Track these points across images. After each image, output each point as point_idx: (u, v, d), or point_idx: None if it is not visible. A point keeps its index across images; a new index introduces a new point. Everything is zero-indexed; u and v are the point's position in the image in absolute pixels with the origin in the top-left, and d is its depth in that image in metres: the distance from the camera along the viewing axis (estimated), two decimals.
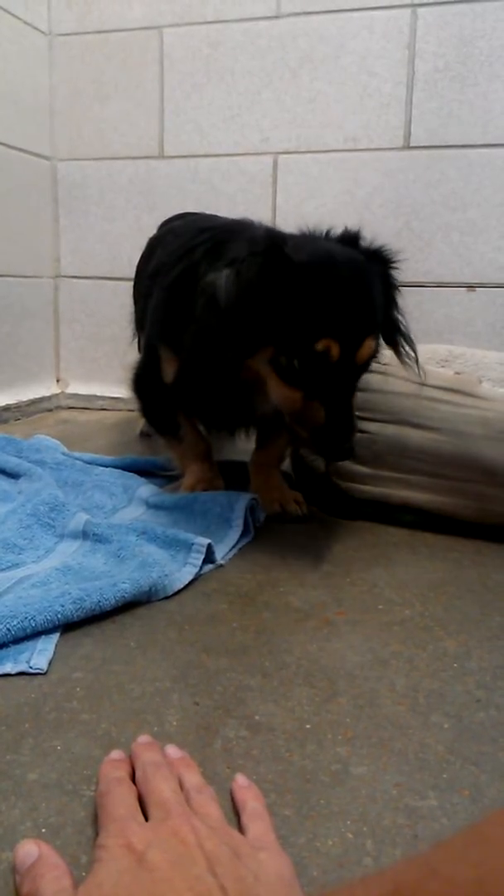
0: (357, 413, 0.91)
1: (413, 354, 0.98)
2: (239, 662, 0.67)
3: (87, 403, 1.98)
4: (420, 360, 1.00)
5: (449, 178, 1.63)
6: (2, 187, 1.72)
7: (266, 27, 1.69)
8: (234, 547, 0.94)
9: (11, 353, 1.80)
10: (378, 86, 1.64)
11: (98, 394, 1.97)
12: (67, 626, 0.71)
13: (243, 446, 1.20)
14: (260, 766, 0.53)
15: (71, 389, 2.00)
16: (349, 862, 0.44)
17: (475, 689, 0.64)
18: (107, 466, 1.25)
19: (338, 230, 0.96)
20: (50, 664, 0.65)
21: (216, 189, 1.79)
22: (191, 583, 0.83)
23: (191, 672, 0.65)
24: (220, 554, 0.91)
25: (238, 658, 0.68)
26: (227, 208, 1.56)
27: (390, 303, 0.96)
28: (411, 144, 1.64)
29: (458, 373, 1.11)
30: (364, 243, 0.95)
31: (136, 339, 1.39)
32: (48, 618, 0.69)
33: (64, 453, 1.31)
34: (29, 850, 0.42)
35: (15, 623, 0.67)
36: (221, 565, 0.89)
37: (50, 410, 1.93)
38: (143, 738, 0.54)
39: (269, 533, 1.01)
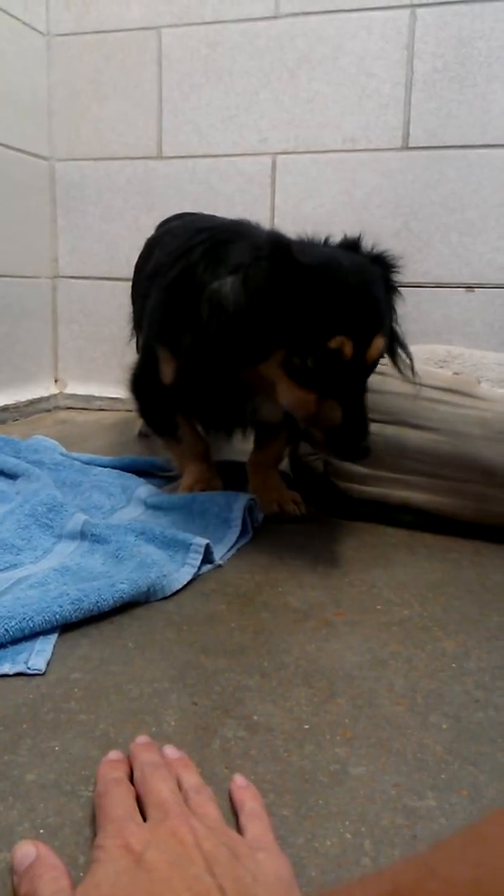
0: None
1: (410, 363, 0.99)
2: (237, 663, 0.67)
3: (85, 404, 1.97)
4: (418, 360, 1.00)
5: (447, 179, 1.63)
6: (0, 187, 1.72)
7: (264, 27, 1.69)
8: (232, 547, 0.94)
9: (9, 354, 1.80)
10: (377, 86, 1.64)
11: (96, 394, 1.97)
12: (65, 627, 0.71)
13: (241, 447, 1.20)
14: (258, 767, 0.53)
15: (69, 390, 2.00)
16: (347, 862, 0.44)
17: (474, 690, 0.64)
18: (105, 467, 1.25)
19: (335, 236, 0.96)
20: (48, 665, 0.65)
21: (214, 189, 1.79)
22: (189, 583, 0.83)
23: (189, 672, 0.65)
24: (219, 554, 0.90)
25: (236, 658, 0.68)
26: (226, 208, 1.56)
27: (390, 309, 0.96)
28: (410, 145, 1.64)
29: (456, 373, 1.11)
30: (364, 249, 0.96)
31: (135, 340, 1.39)
32: (46, 618, 0.69)
33: (62, 454, 1.31)
34: (27, 850, 0.42)
35: (13, 624, 0.66)
36: (220, 565, 0.89)
37: (48, 411, 1.93)
38: (142, 739, 0.54)
39: (267, 533, 1.01)
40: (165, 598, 0.80)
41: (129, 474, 1.20)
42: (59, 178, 1.91)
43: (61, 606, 0.70)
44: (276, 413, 0.96)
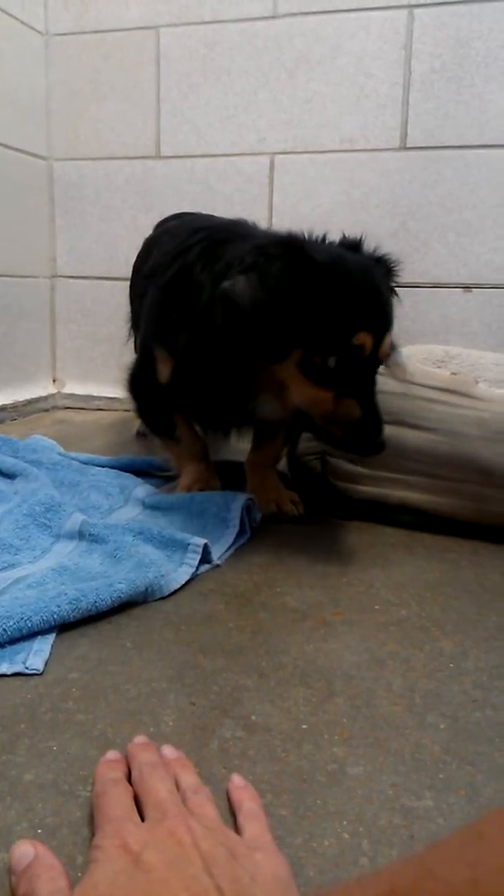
0: None
1: (401, 364, 1.00)
2: (235, 663, 0.67)
3: (83, 403, 1.97)
4: (416, 360, 1.01)
5: (445, 179, 1.63)
6: None
7: (263, 27, 1.69)
8: (230, 547, 0.94)
9: (8, 353, 1.79)
10: (375, 86, 1.64)
11: (94, 394, 1.97)
12: (63, 627, 0.71)
13: (239, 447, 1.20)
14: (256, 767, 0.53)
15: (67, 389, 2.00)
16: (345, 862, 0.44)
17: (472, 690, 0.64)
18: (103, 466, 1.25)
19: (333, 236, 0.97)
20: (46, 665, 0.65)
21: (213, 189, 1.79)
22: (187, 583, 0.83)
23: (187, 672, 0.65)
24: (217, 554, 0.90)
25: (234, 658, 0.68)
26: (224, 208, 1.56)
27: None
28: (408, 145, 1.64)
29: (454, 373, 1.11)
30: (366, 250, 0.97)
31: (133, 339, 1.39)
32: (44, 618, 0.69)
33: (60, 453, 1.31)
34: (25, 850, 0.42)
35: (11, 623, 0.66)
36: (218, 565, 0.89)
37: (46, 410, 1.93)
38: (140, 739, 0.54)
39: (265, 533, 1.01)
40: (163, 597, 0.80)
41: (128, 474, 1.20)
42: (57, 177, 1.91)
43: (59, 606, 0.70)
44: (278, 412, 0.96)
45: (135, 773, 0.49)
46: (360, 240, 0.97)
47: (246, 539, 0.98)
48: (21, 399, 1.83)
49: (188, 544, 0.87)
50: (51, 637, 0.69)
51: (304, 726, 0.58)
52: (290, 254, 0.86)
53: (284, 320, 0.85)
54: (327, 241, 0.96)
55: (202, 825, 0.42)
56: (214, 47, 1.73)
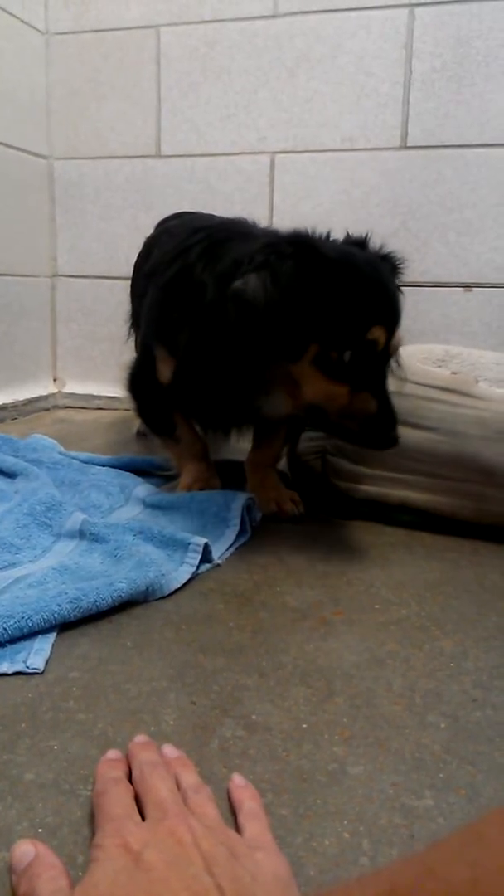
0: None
1: (399, 364, 1.00)
2: (235, 662, 0.67)
3: (83, 403, 1.97)
4: (417, 360, 1.01)
5: (446, 178, 1.63)
6: None
7: (263, 26, 1.69)
8: (230, 546, 0.94)
9: (8, 353, 1.79)
10: (375, 86, 1.64)
11: (95, 393, 1.97)
12: (64, 626, 0.71)
13: (240, 446, 1.20)
14: (257, 766, 0.53)
15: (68, 389, 2.00)
16: (346, 861, 0.44)
17: (472, 689, 0.64)
18: (103, 466, 1.25)
19: (333, 234, 0.97)
20: (46, 664, 0.65)
21: (213, 188, 1.79)
22: (187, 582, 0.83)
23: (187, 672, 0.65)
24: (217, 553, 0.91)
25: (235, 658, 0.68)
26: (224, 207, 1.56)
27: None
28: (408, 144, 1.64)
29: (454, 373, 1.11)
30: (371, 248, 0.98)
31: (133, 338, 1.39)
32: (45, 617, 0.69)
33: (61, 453, 1.31)
34: (25, 849, 0.42)
35: (11, 623, 0.66)
36: (218, 565, 0.89)
37: (47, 410, 1.93)
38: (140, 738, 0.54)
39: (265, 532, 1.01)
40: (164, 597, 0.80)
41: (128, 473, 1.20)
42: (57, 176, 1.91)
43: (60, 605, 0.70)
44: (286, 408, 0.96)
45: (135, 773, 0.49)
46: (366, 237, 0.97)
47: (246, 538, 0.98)
48: (21, 398, 1.83)
49: (189, 543, 0.87)
50: (51, 636, 0.69)
51: (305, 726, 0.58)
52: (302, 251, 0.86)
53: (299, 317, 0.85)
54: (332, 239, 0.96)
55: (203, 824, 0.42)
56: (215, 46, 1.73)
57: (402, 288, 0.99)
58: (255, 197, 1.76)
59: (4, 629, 0.66)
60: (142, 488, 1.13)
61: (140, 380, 1.13)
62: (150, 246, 1.31)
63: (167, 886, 0.37)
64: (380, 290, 0.90)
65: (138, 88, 1.81)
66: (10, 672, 0.63)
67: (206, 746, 0.55)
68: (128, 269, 1.45)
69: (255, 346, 0.87)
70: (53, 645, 0.68)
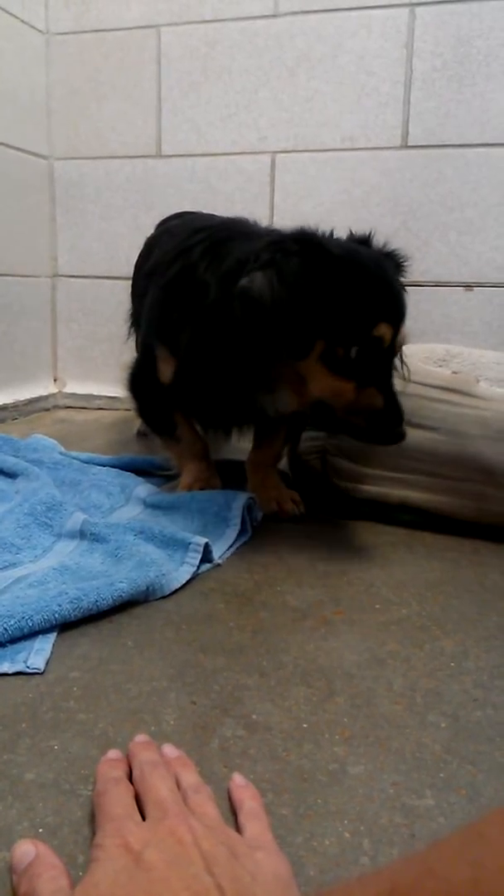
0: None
1: (402, 363, 1.00)
2: (236, 662, 0.67)
3: (84, 403, 1.97)
4: (417, 359, 1.01)
5: (446, 178, 1.63)
6: None
7: (263, 26, 1.69)
8: (231, 546, 0.94)
9: (8, 353, 1.80)
10: (376, 85, 1.64)
11: (95, 393, 1.97)
12: (64, 626, 0.71)
13: (240, 446, 1.20)
14: (257, 766, 0.53)
15: (68, 389, 2.00)
16: (346, 861, 0.44)
17: (472, 689, 0.64)
18: (104, 466, 1.25)
19: (336, 233, 0.97)
20: (47, 664, 0.65)
21: (214, 188, 1.79)
22: (188, 582, 0.83)
23: (188, 671, 0.65)
24: (218, 553, 0.90)
25: (235, 657, 0.68)
26: (225, 207, 1.56)
27: None
28: (409, 144, 1.64)
29: (455, 372, 1.11)
30: (375, 245, 0.98)
31: (134, 339, 1.39)
32: (45, 617, 0.69)
33: (61, 453, 1.31)
34: (26, 849, 0.42)
35: (12, 623, 0.66)
36: (219, 564, 0.89)
37: (47, 410, 1.93)
38: (140, 738, 0.54)
39: (266, 532, 1.01)
40: (164, 597, 0.80)
41: (128, 473, 1.20)
42: (58, 176, 1.91)
43: (60, 605, 0.70)
44: (291, 406, 0.96)
45: (136, 772, 0.49)
46: (370, 235, 0.98)
47: (247, 538, 0.98)
48: (22, 398, 1.83)
49: (189, 543, 0.87)
50: (52, 636, 0.69)
51: (305, 725, 0.58)
52: (308, 249, 0.86)
53: (306, 314, 0.86)
54: (335, 237, 0.96)
55: (203, 824, 0.42)
56: (215, 46, 1.73)
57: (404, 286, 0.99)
58: (255, 197, 1.76)
59: (5, 629, 0.66)
60: (142, 488, 1.13)
61: (141, 380, 1.13)
62: (150, 246, 1.31)
63: (167, 886, 0.37)
64: (385, 287, 0.90)
65: (139, 88, 1.81)
66: (10, 672, 0.63)
67: (207, 746, 0.55)
68: (128, 269, 1.45)
69: (261, 343, 0.87)
70: (54, 645, 0.68)
